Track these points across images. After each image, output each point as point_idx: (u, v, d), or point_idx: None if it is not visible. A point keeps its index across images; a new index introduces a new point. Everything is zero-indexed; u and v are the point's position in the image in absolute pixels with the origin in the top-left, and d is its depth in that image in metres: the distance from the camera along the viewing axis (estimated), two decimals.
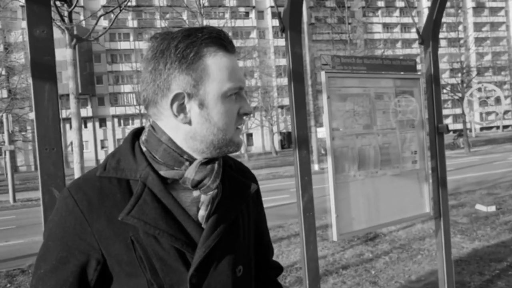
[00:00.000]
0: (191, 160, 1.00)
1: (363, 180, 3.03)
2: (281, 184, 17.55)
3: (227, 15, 48.93)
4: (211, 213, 1.01)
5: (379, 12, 60.60)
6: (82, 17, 50.69)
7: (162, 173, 0.99)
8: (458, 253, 5.74)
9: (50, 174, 1.92)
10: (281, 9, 2.74)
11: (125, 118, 51.63)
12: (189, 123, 0.98)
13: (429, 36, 3.56)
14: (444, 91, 31.43)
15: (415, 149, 3.35)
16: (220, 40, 0.99)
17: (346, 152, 2.95)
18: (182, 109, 0.97)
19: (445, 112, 62.38)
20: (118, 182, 0.98)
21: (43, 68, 1.92)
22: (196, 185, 0.99)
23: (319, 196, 4.04)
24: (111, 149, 48.88)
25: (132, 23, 51.61)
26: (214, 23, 34.52)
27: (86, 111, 50.29)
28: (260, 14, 55.54)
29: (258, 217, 1.22)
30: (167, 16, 42.82)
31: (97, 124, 51.50)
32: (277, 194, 13.87)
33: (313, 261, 2.77)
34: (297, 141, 2.75)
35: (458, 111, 58.31)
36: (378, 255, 5.90)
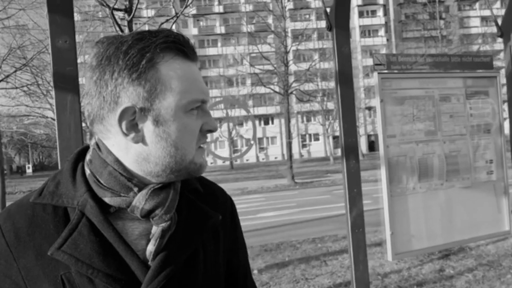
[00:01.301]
0: (140, 185, 0.85)
1: (424, 193, 2.70)
2: (365, 189, 16.90)
3: (312, 17, 48.56)
4: (160, 248, 0.85)
5: (477, 5, 56.42)
6: (174, 26, 53.29)
7: (106, 200, 0.84)
8: None
9: None
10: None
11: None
12: (142, 142, 0.84)
13: (510, 28, 3.11)
14: None
15: (490, 158, 2.92)
16: (178, 45, 0.84)
17: (403, 161, 2.64)
18: (133, 126, 0.83)
19: None
20: (54, 210, 0.84)
21: (65, 78, 1.91)
22: (147, 214, 0.84)
23: None
24: None
25: (219, 29, 53.22)
26: (299, 25, 34.35)
27: None
28: None
29: (232, 247, 1.03)
30: (254, 21, 43.51)
31: None
32: None
33: (363, 283, 2.50)
34: (344, 149, 2.50)
35: None
36: (460, 272, 5.34)
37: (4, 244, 0.82)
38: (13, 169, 55.73)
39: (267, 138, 53.01)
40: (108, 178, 0.84)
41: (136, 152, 0.84)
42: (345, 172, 2.50)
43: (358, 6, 53.61)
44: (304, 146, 52.97)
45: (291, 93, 22.89)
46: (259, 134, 52.70)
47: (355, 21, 54.12)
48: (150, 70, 0.81)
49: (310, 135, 52.76)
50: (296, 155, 49.77)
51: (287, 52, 22.17)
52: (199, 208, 0.94)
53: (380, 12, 54.76)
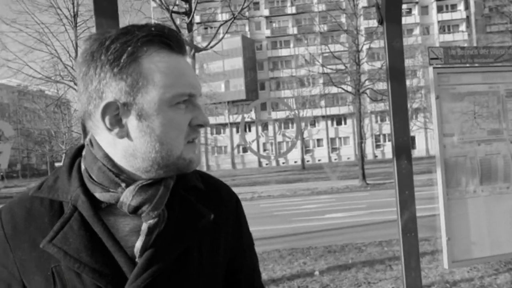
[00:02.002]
0: (129, 181, 0.85)
1: (487, 197, 2.50)
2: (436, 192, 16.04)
3: None
4: (148, 245, 0.84)
5: None
6: (247, 28, 54.22)
7: (97, 195, 0.85)
8: None
9: None
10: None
11: (285, 122, 53.45)
12: (127, 137, 0.83)
13: None
14: None
15: None
16: (162, 38, 0.83)
17: (462, 162, 2.46)
18: (117, 121, 0.83)
19: None
20: (50, 204, 0.86)
21: None
22: (134, 211, 0.84)
23: None
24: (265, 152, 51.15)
25: (292, 30, 53.22)
26: (373, 23, 33.38)
27: (250, 116, 53.53)
28: (424, 10, 52.06)
29: (235, 246, 0.99)
30: (326, 20, 42.97)
31: (259, 128, 54.40)
32: (433, 202, 12.71)
33: None
34: (395, 149, 2.38)
35: None
36: None
37: (2, 236, 0.85)
38: None
39: (340, 138, 52.19)
40: (97, 173, 0.85)
41: (123, 147, 0.84)
42: (395, 173, 2.37)
43: (437, 0, 51.14)
44: (378, 146, 51.47)
45: (363, 92, 22.33)
46: (331, 134, 52.02)
47: (433, 17, 51.71)
48: (132, 64, 0.81)
49: (384, 135, 51.16)
50: (369, 156, 48.45)
51: (359, 51, 21.66)
52: (193, 206, 0.92)
53: (461, 6, 51.83)
